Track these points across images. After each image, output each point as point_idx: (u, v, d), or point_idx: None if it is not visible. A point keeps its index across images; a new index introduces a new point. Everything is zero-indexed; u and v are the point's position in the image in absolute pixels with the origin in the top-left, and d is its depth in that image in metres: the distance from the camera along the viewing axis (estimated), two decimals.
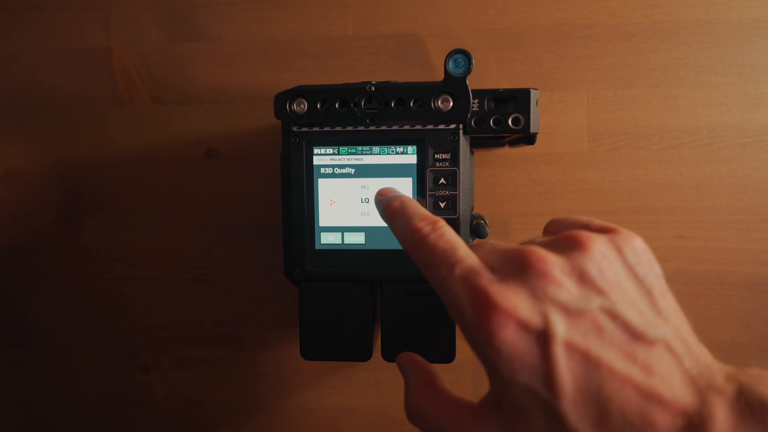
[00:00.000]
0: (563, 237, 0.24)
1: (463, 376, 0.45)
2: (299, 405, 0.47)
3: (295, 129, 0.36)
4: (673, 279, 0.43)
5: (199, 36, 0.46)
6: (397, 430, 0.46)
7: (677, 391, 0.20)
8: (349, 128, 0.35)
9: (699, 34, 0.42)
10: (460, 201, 0.35)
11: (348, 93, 0.35)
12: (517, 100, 0.35)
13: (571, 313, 0.21)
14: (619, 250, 0.23)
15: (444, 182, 0.35)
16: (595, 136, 0.43)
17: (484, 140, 0.42)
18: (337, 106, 0.35)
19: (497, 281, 0.22)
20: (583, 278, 0.22)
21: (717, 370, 0.21)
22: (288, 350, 0.47)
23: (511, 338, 0.21)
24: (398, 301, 0.36)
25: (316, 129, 0.36)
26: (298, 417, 0.47)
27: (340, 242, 0.36)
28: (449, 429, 0.24)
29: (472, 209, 0.39)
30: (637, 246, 0.23)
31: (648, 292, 0.22)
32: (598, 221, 0.25)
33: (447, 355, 0.36)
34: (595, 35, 0.43)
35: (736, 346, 0.43)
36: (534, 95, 0.35)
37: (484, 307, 0.21)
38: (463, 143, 0.35)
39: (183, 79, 0.46)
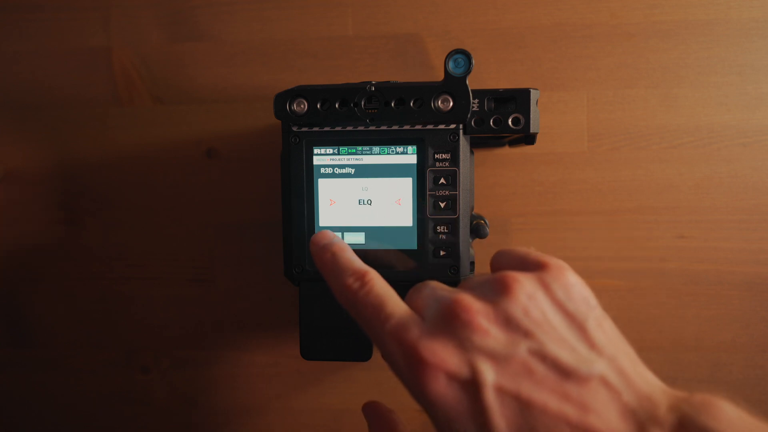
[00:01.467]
0: (492, 281, 0.24)
1: None
2: (299, 405, 0.47)
3: (295, 129, 0.36)
4: (673, 279, 0.43)
5: (199, 36, 0.46)
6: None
7: (615, 425, 0.20)
8: (349, 128, 0.35)
9: (699, 34, 0.42)
10: (460, 201, 0.35)
11: (348, 93, 0.35)
12: (517, 100, 0.35)
13: (498, 359, 0.21)
14: (547, 288, 0.23)
15: (444, 182, 0.35)
16: (595, 136, 0.43)
17: (484, 140, 0.42)
18: (337, 106, 0.35)
19: (425, 335, 0.22)
20: (508, 323, 0.22)
21: (660, 399, 0.21)
22: (288, 350, 0.47)
23: (444, 390, 0.21)
24: None
25: (316, 129, 0.36)
26: (298, 417, 0.47)
27: None
28: None
29: (472, 209, 0.39)
30: (567, 281, 0.23)
31: (580, 327, 0.22)
32: (534, 254, 0.25)
33: None
34: (595, 35, 0.43)
35: (736, 346, 0.43)
36: (534, 95, 0.35)
37: (415, 363, 0.22)
38: (463, 143, 0.35)
39: (183, 79, 0.46)
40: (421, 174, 0.35)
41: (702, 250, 0.43)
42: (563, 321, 0.22)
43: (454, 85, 0.34)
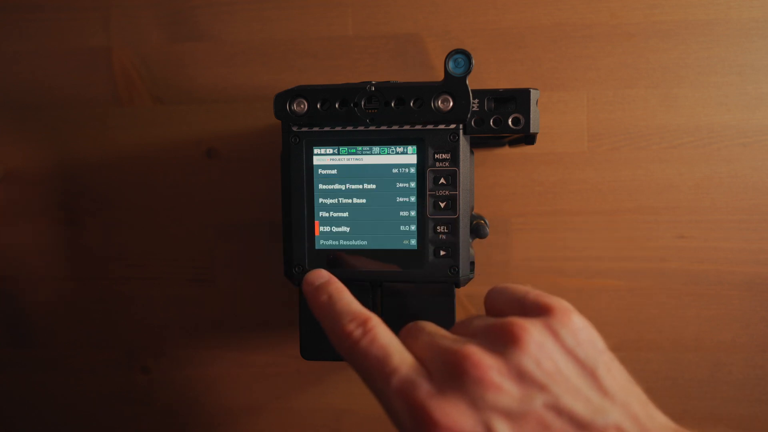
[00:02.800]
0: (497, 329, 0.23)
1: None
2: (299, 405, 0.47)
3: (295, 129, 0.36)
4: (673, 279, 0.43)
5: (199, 36, 0.46)
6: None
7: None
8: (349, 128, 0.35)
9: (699, 34, 0.42)
10: (460, 201, 0.35)
11: (348, 93, 0.35)
12: (517, 100, 0.35)
13: (514, 417, 0.20)
14: (556, 336, 0.22)
15: (444, 182, 0.35)
16: (595, 136, 0.43)
17: (484, 140, 0.42)
18: (337, 106, 0.35)
19: (435, 394, 0.21)
20: (521, 377, 0.21)
21: None
22: (288, 350, 0.47)
23: None
24: (398, 301, 0.36)
25: (316, 129, 0.36)
26: (298, 417, 0.47)
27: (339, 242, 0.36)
28: None
29: (472, 209, 0.39)
30: (574, 326, 0.23)
31: (591, 374, 0.22)
32: (533, 295, 0.24)
33: None
34: (595, 35, 0.43)
35: (736, 346, 0.43)
36: (534, 95, 0.35)
37: (425, 424, 0.21)
38: (463, 143, 0.35)
39: (183, 79, 0.46)
40: (421, 174, 0.35)
41: (702, 250, 0.43)
42: (574, 369, 0.22)
43: (454, 85, 0.34)
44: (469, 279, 0.36)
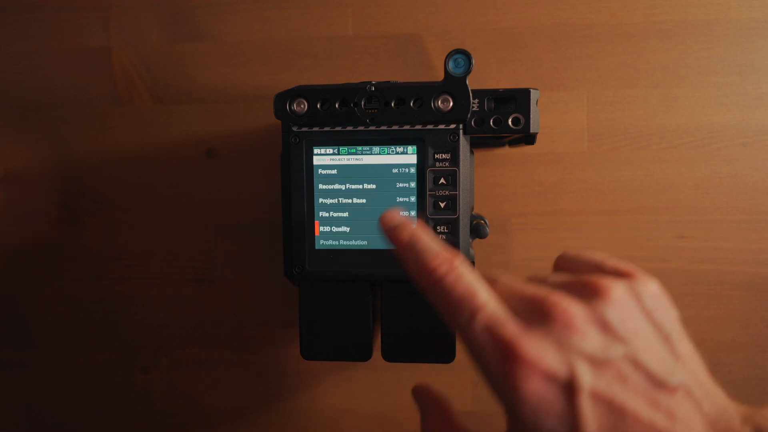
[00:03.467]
0: (583, 283, 0.24)
1: (462, 376, 0.45)
2: (299, 405, 0.47)
3: (295, 129, 0.36)
4: (673, 279, 0.43)
5: (199, 36, 0.46)
6: (398, 430, 0.46)
7: None
8: (349, 128, 0.35)
9: (699, 34, 0.42)
10: (460, 201, 0.35)
11: (348, 93, 0.35)
12: (517, 100, 0.35)
13: (595, 363, 0.21)
14: (638, 297, 0.23)
15: (444, 182, 0.35)
16: (595, 136, 0.43)
17: (484, 140, 0.42)
18: (337, 106, 0.35)
19: (522, 331, 0.22)
20: (605, 327, 0.22)
21: (733, 412, 0.21)
22: (288, 350, 0.47)
23: (538, 389, 0.21)
24: (398, 301, 0.36)
25: (316, 129, 0.36)
26: (298, 417, 0.47)
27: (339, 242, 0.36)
28: None
29: (472, 209, 0.39)
30: (653, 291, 0.24)
31: (666, 338, 0.23)
32: (611, 262, 0.25)
33: (447, 355, 0.36)
34: (595, 35, 0.43)
35: (736, 346, 0.43)
36: (534, 95, 0.35)
37: (510, 359, 0.21)
38: (463, 143, 0.35)
39: (183, 79, 0.46)
40: (421, 174, 0.35)
41: (702, 250, 0.43)
42: (652, 331, 0.23)
43: (454, 85, 0.34)
44: None
